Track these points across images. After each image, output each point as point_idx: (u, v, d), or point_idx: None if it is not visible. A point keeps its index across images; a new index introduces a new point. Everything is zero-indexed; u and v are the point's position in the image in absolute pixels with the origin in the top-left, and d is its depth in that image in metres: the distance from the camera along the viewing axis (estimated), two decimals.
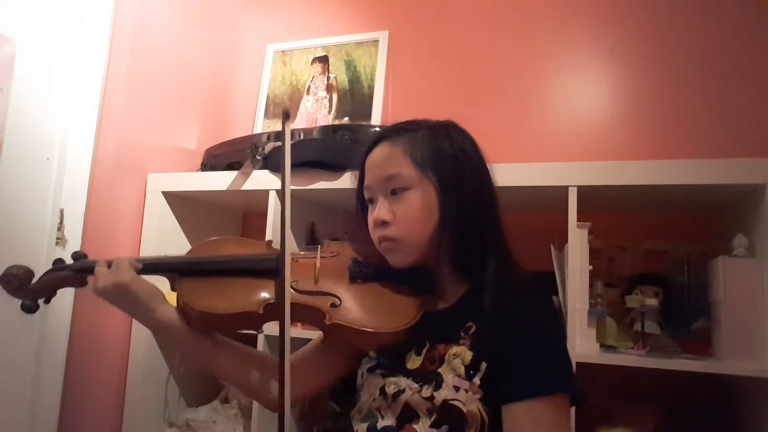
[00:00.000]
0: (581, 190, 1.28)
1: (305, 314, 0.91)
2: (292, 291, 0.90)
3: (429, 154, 0.89)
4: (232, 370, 0.99)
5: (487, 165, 0.94)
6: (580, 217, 1.28)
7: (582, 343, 1.25)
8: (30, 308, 0.95)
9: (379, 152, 0.93)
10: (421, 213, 0.88)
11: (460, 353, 0.83)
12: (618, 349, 1.31)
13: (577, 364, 1.20)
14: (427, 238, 0.88)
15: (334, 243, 1.04)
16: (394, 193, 0.90)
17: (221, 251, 1.01)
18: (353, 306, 0.90)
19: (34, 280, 0.96)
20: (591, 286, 1.31)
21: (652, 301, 1.37)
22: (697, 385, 1.36)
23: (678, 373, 1.17)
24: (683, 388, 1.39)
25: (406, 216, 0.88)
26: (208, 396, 1.75)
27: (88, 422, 1.56)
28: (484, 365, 0.81)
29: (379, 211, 0.90)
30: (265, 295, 0.91)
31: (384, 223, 0.89)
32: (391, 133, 0.94)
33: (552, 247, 1.36)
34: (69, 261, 1.00)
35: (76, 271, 0.98)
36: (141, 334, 1.64)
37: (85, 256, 0.99)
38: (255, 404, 1.51)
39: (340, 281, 0.94)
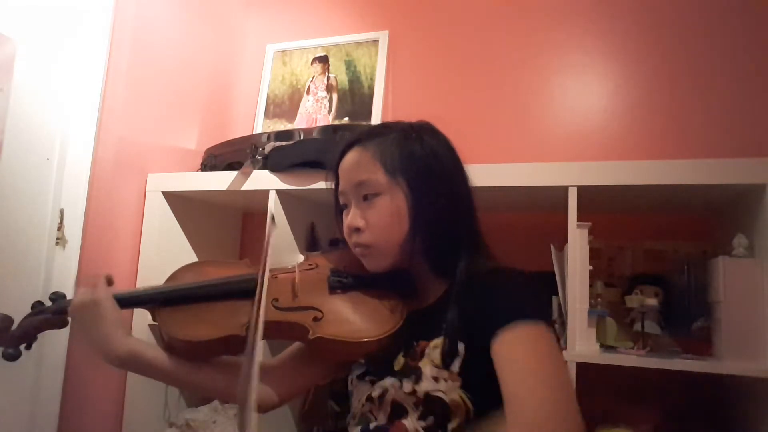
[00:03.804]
0: (581, 190, 1.27)
1: (288, 330, 0.90)
2: (274, 309, 0.90)
3: (399, 158, 0.89)
4: (210, 387, 0.98)
5: (463, 166, 0.93)
6: (580, 217, 1.28)
7: (582, 343, 1.25)
8: (12, 356, 0.91)
9: (350, 158, 0.92)
10: (391, 219, 0.87)
11: (439, 344, 0.83)
12: (618, 349, 1.31)
13: (577, 364, 1.20)
14: (400, 243, 0.88)
15: (313, 255, 1.04)
16: (365, 198, 0.90)
17: (199, 276, 0.99)
18: (335, 318, 0.89)
19: (14, 327, 0.94)
20: (591, 286, 1.31)
21: (652, 301, 1.37)
22: (697, 385, 1.36)
23: (678, 373, 1.17)
24: (683, 388, 1.39)
25: (377, 222, 0.88)
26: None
27: (88, 422, 1.56)
28: (462, 346, 0.81)
29: (352, 217, 0.90)
30: (245, 317, 0.89)
31: (357, 230, 0.89)
32: (362, 137, 0.93)
33: (552, 247, 1.36)
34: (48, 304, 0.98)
35: (55, 313, 0.95)
36: (141, 335, 1.64)
37: (63, 296, 0.97)
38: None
39: (321, 293, 0.93)
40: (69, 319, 0.94)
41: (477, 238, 0.92)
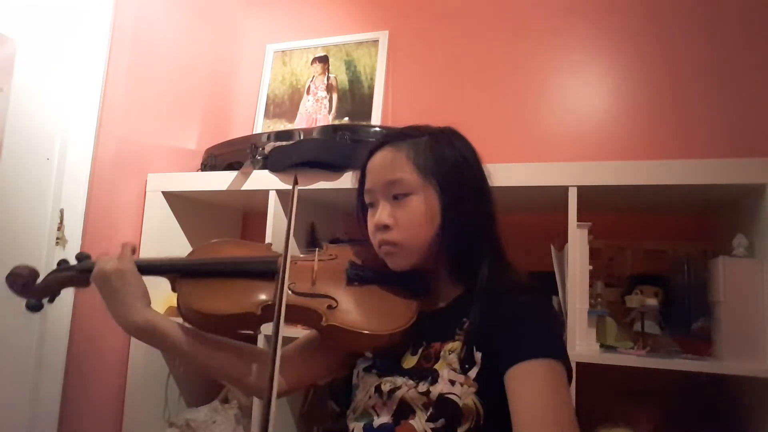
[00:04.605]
0: (581, 190, 1.28)
1: (302, 315, 0.92)
2: (290, 292, 0.92)
3: (432, 160, 0.91)
4: (219, 368, 0.99)
5: (485, 171, 0.95)
6: (580, 217, 1.28)
7: (582, 343, 1.25)
8: (35, 307, 0.97)
9: (381, 157, 0.94)
10: (422, 218, 0.89)
11: (455, 348, 0.85)
12: (618, 349, 1.31)
13: (577, 364, 1.20)
14: (427, 243, 0.90)
15: (332, 246, 1.06)
16: (395, 197, 0.91)
17: (221, 253, 1.02)
18: (349, 308, 0.91)
19: (39, 280, 0.98)
20: (591, 286, 1.31)
21: (652, 301, 1.37)
22: (697, 385, 1.36)
23: (678, 373, 1.17)
24: (683, 388, 1.39)
25: (407, 221, 0.89)
26: (208, 396, 1.75)
27: (88, 422, 1.56)
28: (479, 355, 0.82)
29: (381, 215, 0.91)
30: (263, 296, 0.92)
31: (385, 227, 0.90)
32: (393, 138, 0.95)
33: (552, 247, 1.36)
34: (73, 262, 1.01)
35: (80, 272, 0.99)
36: None
37: (88, 256, 1.01)
38: (255, 404, 1.51)
39: (338, 284, 0.95)
40: (91, 280, 0.97)
41: (497, 242, 0.94)
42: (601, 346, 1.31)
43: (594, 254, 1.33)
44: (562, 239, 1.32)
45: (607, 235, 1.56)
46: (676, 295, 1.41)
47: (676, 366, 1.17)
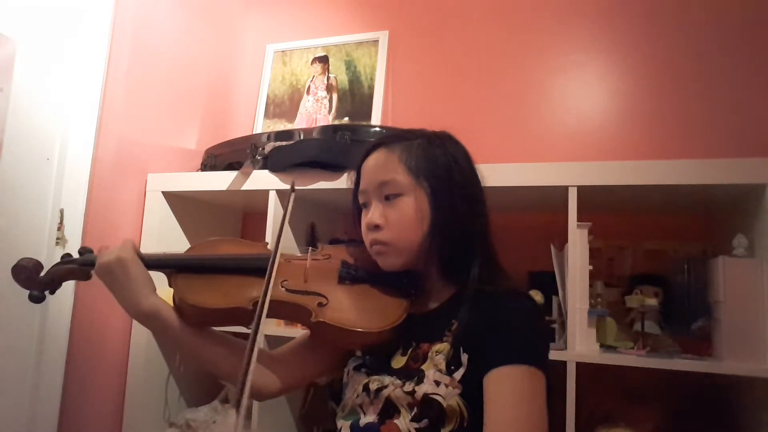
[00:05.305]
0: (581, 190, 1.28)
1: (292, 312, 0.94)
2: (282, 289, 0.94)
3: (423, 162, 0.92)
4: (217, 361, 1.00)
5: (479, 176, 0.96)
6: (580, 217, 1.28)
7: (582, 343, 1.25)
8: (38, 299, 1.00)
9: (374, 158, 0.95)
10: (412, 219, 0.90)
11: (443, 349, 0.86)
12: (618, 349, 1.31)
13: (577, 364, 1.20)
14: (418, 243, 0.91)
15: (328, 247, 1.07)
16: (387, 198, 0.92)
17: (218, 250, 1.04)
18: (340, 306, 0.93)
19: (43, 273, 1.01)
20: (591, 286, 1.31)
21: (652, 301, 1.37)
22: (697, 385, 1.36)
23: (678, 373, 1.17)
24: (683, 388, 1.39)
25: (398, 221, 0.91)
26: (208, 396, 1.75)
27: (88, 422, 1.56)
28: (465, 357, 0.84)
29: (372, 215, 0.93)
30: (255, 293, 0.93)
31: (376, 227, 0.92)
32: (387, 140, 0.97)
33: (552, 247, 1.36)
34: (76, 256, 1.04)
35: (82, 265, 1.01)
36: (141, 334, 1.64)
37: (90, 251, 1.03)
38: (255, 404, 1.51)
39: (329, 282, 0.97)
40: (92, 273, 0.99)
41: (488, 245, 0.95)
42: (601, 346, 1.31)
43: (594, 254, 1.33)
44: (562, 239, 1.32)
45: (607, 235, 1.56)
46: (676, 295, 1.41)
47: (676, 366, 1.18)
